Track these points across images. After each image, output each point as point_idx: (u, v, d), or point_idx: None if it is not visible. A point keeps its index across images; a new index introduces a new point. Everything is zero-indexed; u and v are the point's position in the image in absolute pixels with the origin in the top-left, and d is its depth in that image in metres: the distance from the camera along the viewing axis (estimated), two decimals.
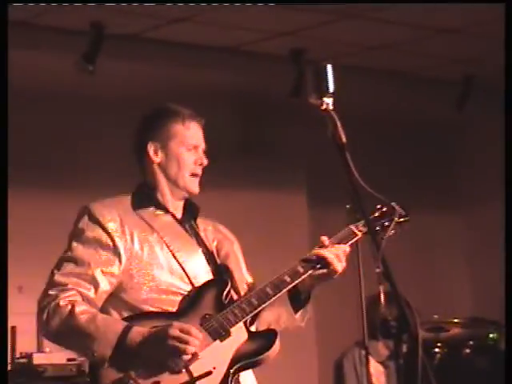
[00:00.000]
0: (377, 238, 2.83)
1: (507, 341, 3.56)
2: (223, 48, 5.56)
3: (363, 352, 4.67)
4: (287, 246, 4.84)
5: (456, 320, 4.87)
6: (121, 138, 5.83)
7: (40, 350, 5.29)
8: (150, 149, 3.01)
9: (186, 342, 2.81)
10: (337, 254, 3.00)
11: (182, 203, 3.12)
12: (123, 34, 5.36)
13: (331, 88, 2.61)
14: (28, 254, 5.52)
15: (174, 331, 2.81)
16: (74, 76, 5.41)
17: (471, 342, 4.86)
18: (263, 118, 6.26)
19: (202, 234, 3.20)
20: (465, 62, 6.03)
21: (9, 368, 5.37)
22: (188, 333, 2.83)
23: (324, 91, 2.62)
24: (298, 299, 3.08)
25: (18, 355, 5.25)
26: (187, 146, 3.02)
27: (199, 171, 3.02)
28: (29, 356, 5.15)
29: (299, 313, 3.08)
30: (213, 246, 3.20)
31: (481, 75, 6.06)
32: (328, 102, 2.61)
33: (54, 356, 5.20)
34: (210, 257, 3.15)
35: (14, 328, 5.45)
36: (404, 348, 3.24)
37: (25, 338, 5.44)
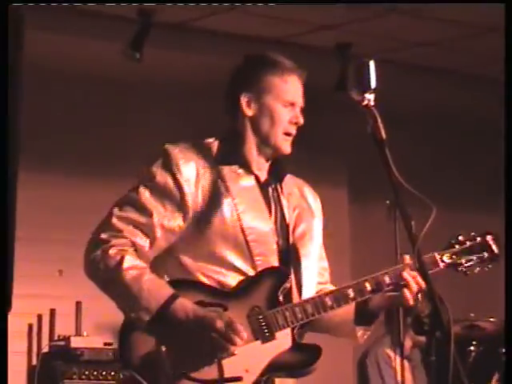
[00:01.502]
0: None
1: (507, 340, 3.47)
2: (268, 39, 5.63)
3: (386, 350, 4.76)
4: (328, 242, 4.97)
5: (492, 319, 4.87)
6: (165, 126, 5.90)
7: (78, 333, 5.45)
8: (244, 101, 2.84)
9: (229, 340, 2.69)
10: (417, 281, 2.84)
11: (268, 164, 2.96)
12: (170, 23, 5.38)
13: (373, 84, 2.57)
14: (68, 239, 5.59)
15: (221, 325, 2.69)
16: (120, 63, 5.47)
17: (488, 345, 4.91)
18: (306, 112, 6.38)
19: (283, 202, 3.02)
20: None
21: (46, 350, 5.52)
22: (234, 330, 2.69)
23: (365, 87, 2.56)
24: (364, 315, 2.97)
25: (56, 338, 5.46)
26: (284, 102, 2.84)
27: (293, 131, 2.84)
28: (66, 339, 5.29)
29: (361, 329, 2.96)
30: (292, 218, 3.02)
31: None
32: (369, 97, 2.53)
33: (91, 340, 5.39)
34: (283, 232, 2.99)
35: (53, 311, 5.64)
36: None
37: (64, 320, 5.60)
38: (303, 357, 2.86)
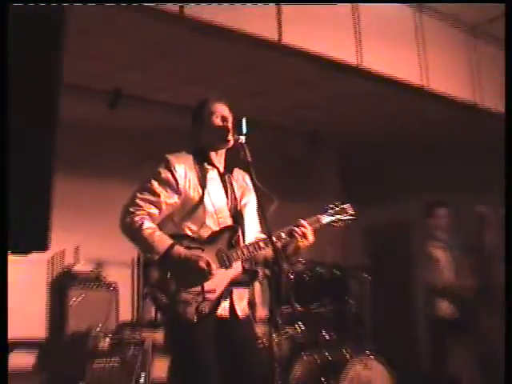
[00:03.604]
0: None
1: (507, 339, 3.91)
2: None
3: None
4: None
5: (302, 261, 6.30)
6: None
7: (76, 264, 6.71)
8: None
9: (208, 271, 3.38)
10: (302, 231, 3.54)
11: (223, 161, 3.66)
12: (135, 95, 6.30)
13: (244, 131, 3.46)
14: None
15: (202, 262, 3.38)
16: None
17: (309, 273, 6.46)
18: None
19: (234, 184, 3.68)
20: None
21: (60, 271, 6.52)
22: (210, 265, 3.40)
23: (239, 133, 3.46)
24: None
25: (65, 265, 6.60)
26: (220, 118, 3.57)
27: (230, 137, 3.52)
28: (71, 266, 6.56)
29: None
30: (239, 194, 3.66)
31: None
32: (242, 138, 3.45)
33: (84, 268, 6.62)
34: (234, 203, 3.62)
35: (63, 250, 6.68)
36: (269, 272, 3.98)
37: (70, 256, 6.66)
38: (248, 277, 3.59)
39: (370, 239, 10.55)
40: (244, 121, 3.45)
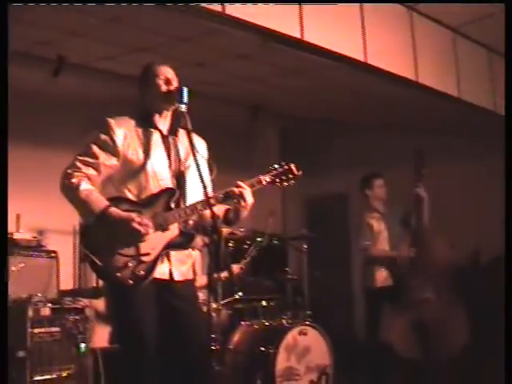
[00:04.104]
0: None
1: (507, 339, 3.81)
2: None
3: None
4: None
5: (241, 229, 6.35)
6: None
7: (18, 231, 6.46)
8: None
9: (143, 230, 3.39)
10: (240, 191, 3.52)
11: (169, 122, 3.66)
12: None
13: (185, 99, 3.46)
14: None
15: (137, 221, 3.40)
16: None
17: (248, 242, 6.57)
18: None
19: (179, 146, 3.65)
20: None
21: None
22: (145, 224, 3.42)
23: (181, 101, 3.45)
24: (227, 219, 3.66)
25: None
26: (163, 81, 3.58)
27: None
28: (11, 234, 6.28)
29: (225, 227, 3.79)
30: (183, 156, 3.63)
31: None
32: (183, 106, 3.48)
33: (24, 234, 6.45)
34: (177, 166, 3.60)
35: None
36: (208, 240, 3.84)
37: (12, 223, 6.42)
38: (185, 239, 3.58)
39: (309, 210, 10.71)
40: (185, 90, 3.46)
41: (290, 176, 3.68)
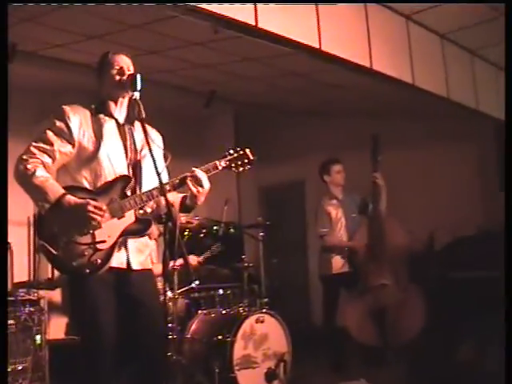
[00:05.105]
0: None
1: (507, 338, 3.78)
2: None
3: None
4: None
5: (197, 218, 6.30)
6: None
7: None
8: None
9: (97, 217, 3.39)
10: (194, 179, 3.54)
11: (125, 112, 3.68)
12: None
13: (138, 87, 3.50)
14: None
15: (92, 207, 3.40)
16: None
17: (204, 230, 6.77)
18: None
19: (135, 135, 3.68)
20: None
21: None
22: (100, 210, 3.41)
23: (134, 89, 3.49)
24: (184, 206, 3.68)
25: None
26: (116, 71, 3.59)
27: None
28: None
29: (183, 215, 3.91)
30: (139, 145, 3.65)
31: None
32: (136, 94, 3.49)
33: None
34: (133, 154, 3.62)
35: None
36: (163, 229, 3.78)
37: None
38: (141, 226, 3.61)
39: (266, 198, 10.73)
40: (139, 77, 3.48)
41: (246, 161, 3.71)
